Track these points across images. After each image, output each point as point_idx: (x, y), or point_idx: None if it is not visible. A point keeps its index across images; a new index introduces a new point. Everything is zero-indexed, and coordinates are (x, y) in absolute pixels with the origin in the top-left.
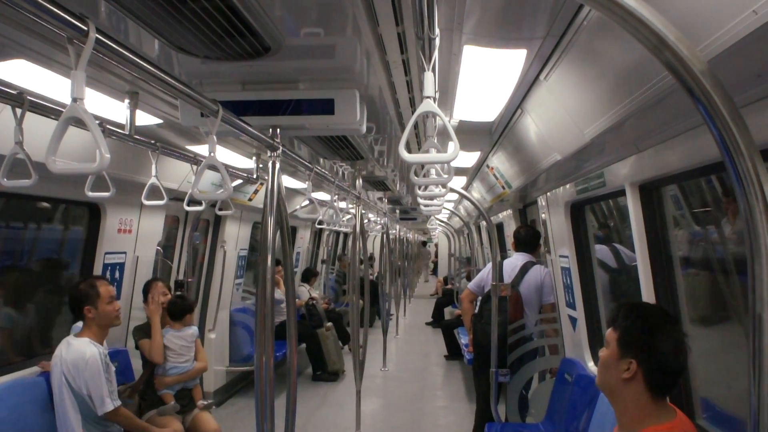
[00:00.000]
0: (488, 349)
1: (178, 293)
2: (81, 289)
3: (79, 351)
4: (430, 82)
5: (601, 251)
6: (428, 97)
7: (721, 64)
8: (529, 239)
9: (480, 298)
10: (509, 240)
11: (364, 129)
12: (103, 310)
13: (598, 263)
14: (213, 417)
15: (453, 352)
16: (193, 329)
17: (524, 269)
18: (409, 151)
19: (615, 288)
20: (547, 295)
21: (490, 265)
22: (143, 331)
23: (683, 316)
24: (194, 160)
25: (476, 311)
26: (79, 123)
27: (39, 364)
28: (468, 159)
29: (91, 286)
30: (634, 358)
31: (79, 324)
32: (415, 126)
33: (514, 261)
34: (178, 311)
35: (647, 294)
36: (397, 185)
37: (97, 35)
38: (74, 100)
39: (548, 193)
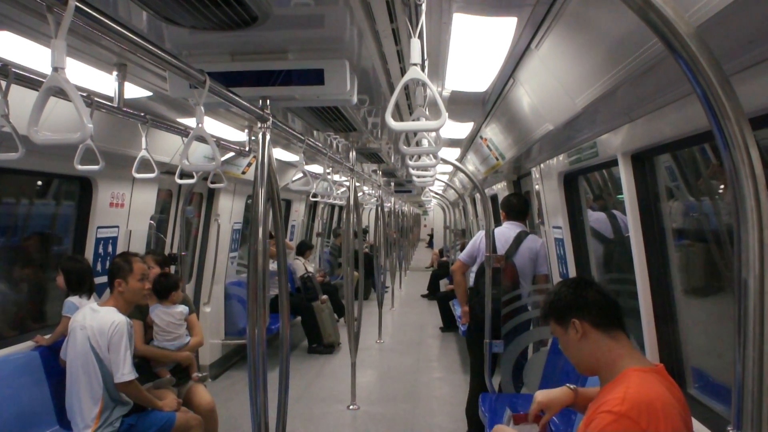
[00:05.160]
0: (482, 323)
1: (163, 271)
2: (116, 262)
3: (106, 317)
4: (416, 49)
5: (599, 219)
6: (415, 65)
7: (712, 30)
8: (521, 207)
9: (474, 269)
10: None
11: (354, 100)
12: (133, 285)
13: (593, 232)
14: (208, 389)
15: (448, 324)
16: (182, 308)
17: (519, 239)
18: (400, 121)
19: (613, 256)
20: (541, 265)
21: (480, 234)
22: (137, 308)
23: (675, 286)
24: (185, 132)
25: (472, 285)
26: (62, 93)
27: (34, 339)
28: (461, 130)
29: (126, 260)
30: (573, 318)
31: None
32: (407, 96)
33: (507, 231)
34: (162, 289)
35: (639, 264)
36: (391, 157)
37: (77, 3)
38: (55, 69)
39: (542, 164)
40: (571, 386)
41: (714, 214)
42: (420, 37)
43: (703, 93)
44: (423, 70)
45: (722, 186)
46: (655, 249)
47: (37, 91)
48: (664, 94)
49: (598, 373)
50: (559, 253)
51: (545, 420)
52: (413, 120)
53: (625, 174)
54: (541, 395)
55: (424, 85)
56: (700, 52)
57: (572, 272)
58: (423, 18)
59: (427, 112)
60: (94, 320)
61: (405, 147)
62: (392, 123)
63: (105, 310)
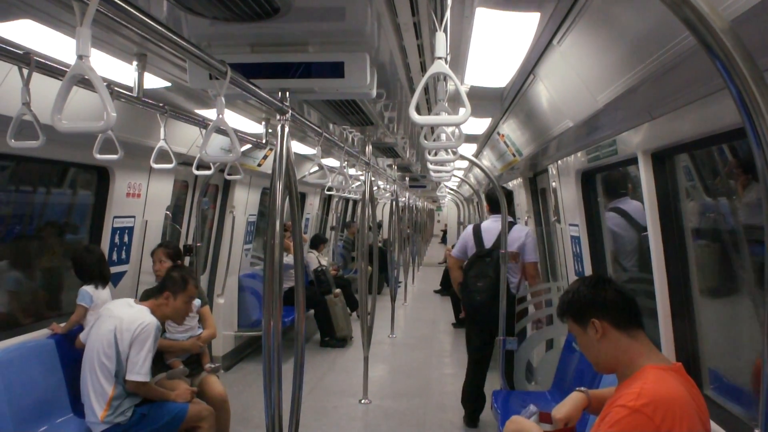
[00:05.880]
0: (475, 316)
1: (175, 264)
2: (173, 276)
3: (138, 315)
4: (441, 42)
5: (638, 209)
6: (440, 58)
7: (745, 24)
8: (506, 199)
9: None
10: (519, 208)
11: (374, 93)
12: (178, 305)
13: (632, 222)
14: (220, 381)
15: (461, 319)
16: (195, 301)
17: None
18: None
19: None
20: (529, 254)
21: (468, 229)
22: (149, 298)
23: (693, 286)
24: (203, 123)
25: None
26: (85, 82)
27: (50, 327)
28: (478, 126)
29: (182, 278)
30: (592, 317)
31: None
32: (426, 91)
33: (492, 225)
34: None
35: (657, 263)
36: (407, 152)
37: None
38: (80, 57)
39: (559, 162)
40: (582, 389)
41: (731, 213)
42: (445, 30)
43: (737, 90)
44: (446, 63)
45: (737, 184)
46: (674, 248)
47: (58, 79)
48: (687, 92)
49: (616, 371)
50: (575, 251)
51: (572, 426)
52: (434, 114)
53: (644, 172)
54: (560, 413)
55: (446, 79)
56: (734, 48)
57: (588, 270)
58: (448, 11)
59: (447, 107)
60: (126, 313)
61: (425, 141)
62: (416, 117)
63: (139, 308)
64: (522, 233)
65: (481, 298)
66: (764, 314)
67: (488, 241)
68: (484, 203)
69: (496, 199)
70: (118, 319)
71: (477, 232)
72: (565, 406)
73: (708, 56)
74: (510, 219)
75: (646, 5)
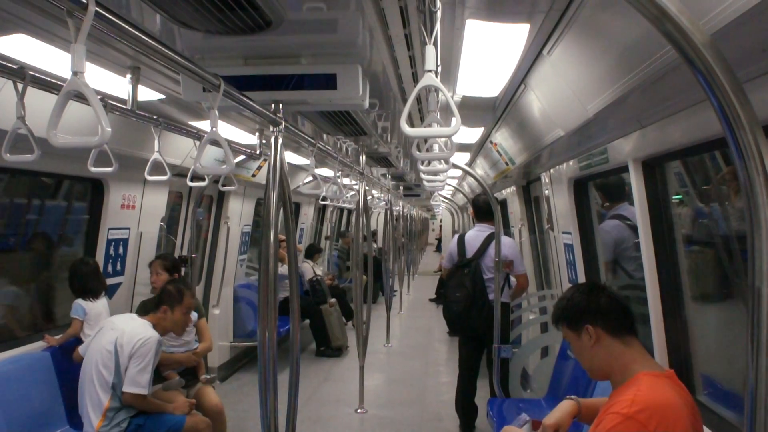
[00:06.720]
0: (453, 326)
1: (172, 277)
2: (168, 289)
3: (140, 329)
4: (431, 55)
5: None
6: (430, 71)
7: (725, 38)
8: (487, 208)
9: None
10: (513, 216)
11: (366, 104)
12: (176, 317)
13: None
14: (216, 391)
15: None
16: (192, 314)
17: (486, 242)
18: (412, 126)
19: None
20: (518, 265)
21: (455, 239)
22: (145, 309)
23: (685, 293)
24: (197, 135)
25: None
26: (80, 97)
27: (44, 339)
28: (471, 135)
29: (178, 291)
30: (587, 324)
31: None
32: (419, 101)
33: (477, 234)
34: None
35: (649, 270)
36: (401, 161)
37: (96, 8)
38: (74, 73)
39: (552, 170)
40: (572, 397)
41: (723, 219)
42: (435, 43)
43: (718, 102)
44: (436, 76)
45: (731, 191)
46: (666, 255)
47: (52, 93)
48: (676, 101)
49: (610, 378)
50: (568, 259)
51: None
52: (426, 126)
53: (635, 180)
54: (550, 421)
55: (437, 91)
56: (715, 61)
57: (581, 277)
58: (438, 25)
59: (439, 117)
60: (128, 326)
61: (417, 152)
62: (407, 129)
63: (142, 322)
64: (505, 245)
65: (457, 309)
66: (749, 321)
67: (470, 251)
68: (470, 210)
69: (481, 207)
70: (120, 332)
71: (461, 242)
72: (555, 414)
73: (690, 69)
74: (493, 230)
75: (633, 17)
